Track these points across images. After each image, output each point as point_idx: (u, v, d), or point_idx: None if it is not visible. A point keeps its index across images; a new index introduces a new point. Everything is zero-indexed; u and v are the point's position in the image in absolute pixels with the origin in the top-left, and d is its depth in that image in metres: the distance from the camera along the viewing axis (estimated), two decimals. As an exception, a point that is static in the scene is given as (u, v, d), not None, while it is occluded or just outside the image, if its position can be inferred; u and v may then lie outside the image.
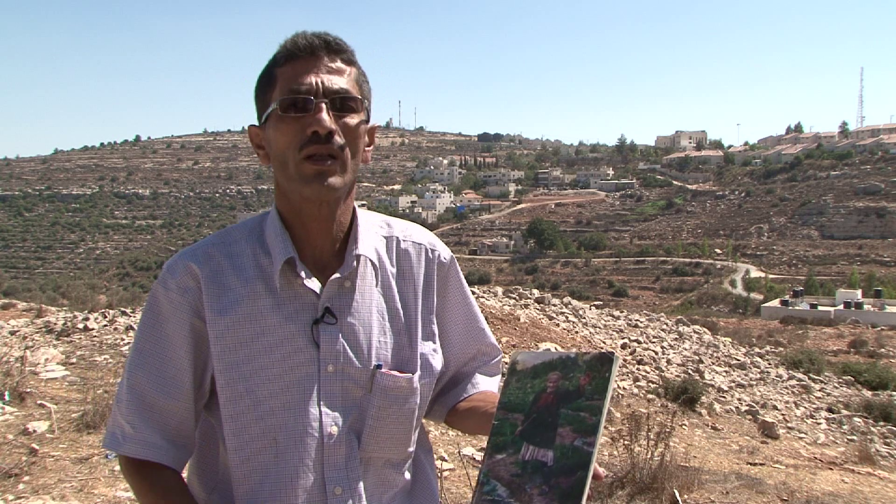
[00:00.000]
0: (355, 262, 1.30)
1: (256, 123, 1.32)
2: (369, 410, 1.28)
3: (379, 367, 1.29)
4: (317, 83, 1.22)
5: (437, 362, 1.38)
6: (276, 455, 1.24)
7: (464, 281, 1.48)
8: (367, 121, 1.29)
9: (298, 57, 1.24)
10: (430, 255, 1.41)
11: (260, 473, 1.25)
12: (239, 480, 1.26)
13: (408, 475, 1.37)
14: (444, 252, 1.44)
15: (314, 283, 1.27)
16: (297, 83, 1.22)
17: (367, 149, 1.31)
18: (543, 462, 1.01)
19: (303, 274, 1.27)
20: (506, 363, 1.19)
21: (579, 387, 1.03)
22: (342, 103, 1.24)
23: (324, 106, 1.21)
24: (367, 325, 1.30)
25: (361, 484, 1.27)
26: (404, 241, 1.40)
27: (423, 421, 1.45)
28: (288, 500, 1.24)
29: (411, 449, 1.36)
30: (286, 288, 1.27)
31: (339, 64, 1.26)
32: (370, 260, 1.32)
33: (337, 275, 1.28)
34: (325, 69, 1.24)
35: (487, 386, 1.46)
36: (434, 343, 1.39)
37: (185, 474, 1.35)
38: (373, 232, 1.37)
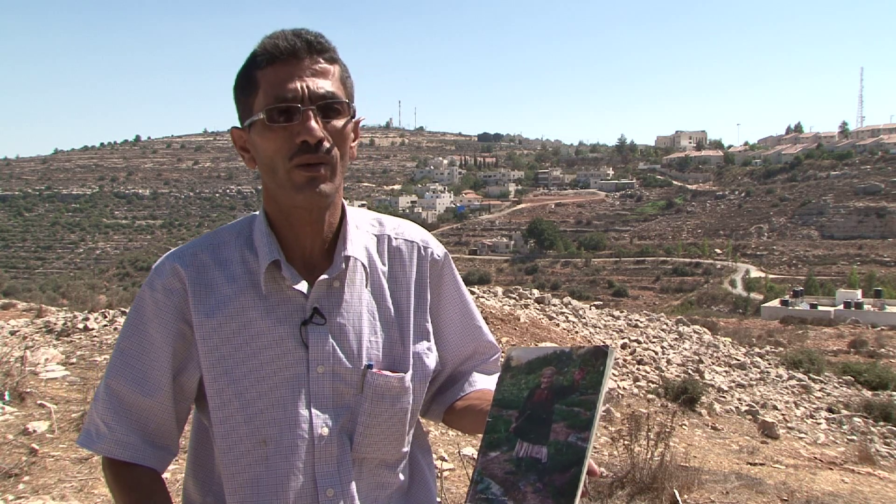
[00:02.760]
0: (344, 264, 1.29)
1: (238, 125, 1.28)
2: (361, 410, 1.27)
3: (370, 366, 1.28)
4: (302, 88, 1.19)
5: (431, 361, 1.37)
6: (265, 457, 1.23)
7: (459, 278, 1.46)
8: (353, 118, 1.27)
9: (279, 59, 1.20)
10: (422, 252, 1.39)
11: (250, 476, 1.24)
12: (230, 483, 1.25)
13: (403, 475, 1.35)
14: (438, 249, 1.42)
15: (302, 285, 1.26)
16: (283, 90, 1.18)
17: (352, 144, 1.29)
18: (537, 459, 1.00)
19: (288, 276, 1.25)
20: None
21: (574, 382, 1.02)
22: (329, 108, 1.21)
23: (311, 113, 1.18)
24: (357, 325, 1.29)
25: (354, 485, 1.26)
26: (396, 238, 1.38)
27: (422, 420, 1.44)
28: (279, 503, 1.23)
29: (405, 449, 1.35)
30: (273, 289, 1.26)
31: (322, 65, 1.22)
32: (360, 261, 1.31)
33: (325, 276, 1.27)
34: (308, 72, 1.20)
35: (485, 384, 1.44)
36: (428, 342, 1.37)
37: (182, 476, 1.34)
38: (363, 230, 1.35)
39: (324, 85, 1.21)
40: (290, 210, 1.26)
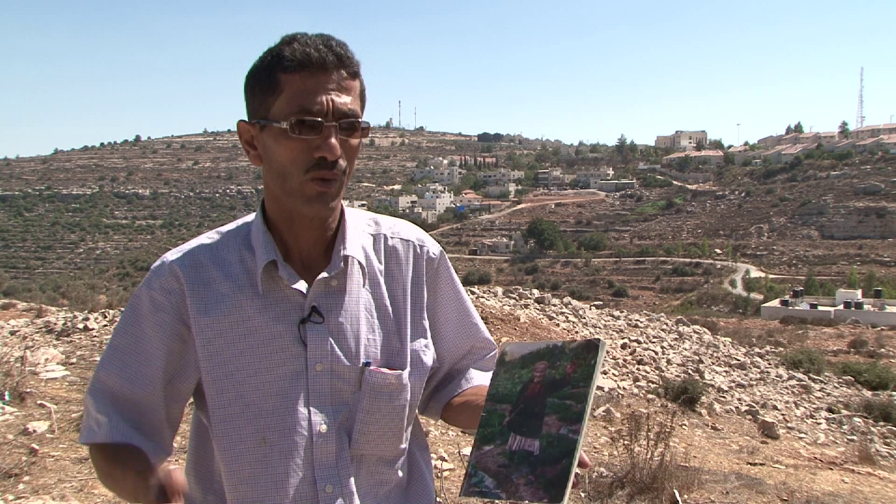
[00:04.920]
0: (342, 263, 1.30)
1: (246, 118, 1.28)
2: (359, 408, 1.28)
3: (368, 364, 1.29)
4: (328, 102, 1.19)
5: (429, 358, 1.38)
6: (265, 455, 1.24)
7: (455, 276, 1.48)
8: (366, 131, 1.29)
9: (308, 69, 1.20)
10: (418, 251, 1.41)
11: (250, 473, 1.25)
12: (230, 480, 1.26)
13: (402, 472, 1.37)
14: (433, 248, 1.44)
15: (300, 284, 1.27)
16: (309, 102, 1.19)
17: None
18: (530, 451, 1.02)
19: (285, 276, 1.26)
20: None
21: (566, 375, 1.04)
22: (349, 125, 1.22)
23: (333, 130, 1.20)
24: (355, 324, 1.30)
25: (353, 482, 1.27)
26: (392, 238, 1.40)
27: (422, 419, 1.45)
28: (279, 500, 1.24)
29: (404, 445, 1.36)
30: (271, 289, 1.27)
31: (347, 80, 1.23)
32: (357, 260, 1.32)
33: (324, 274, 1.28)
34: (334, 85, 1.21)
35: (481, 380, 1.45)
36: (425, 339, 1.39)
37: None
38: (360, 230, 1.37)
39: (347, 101, 1.22)
40: (292, 214, 1.27)
